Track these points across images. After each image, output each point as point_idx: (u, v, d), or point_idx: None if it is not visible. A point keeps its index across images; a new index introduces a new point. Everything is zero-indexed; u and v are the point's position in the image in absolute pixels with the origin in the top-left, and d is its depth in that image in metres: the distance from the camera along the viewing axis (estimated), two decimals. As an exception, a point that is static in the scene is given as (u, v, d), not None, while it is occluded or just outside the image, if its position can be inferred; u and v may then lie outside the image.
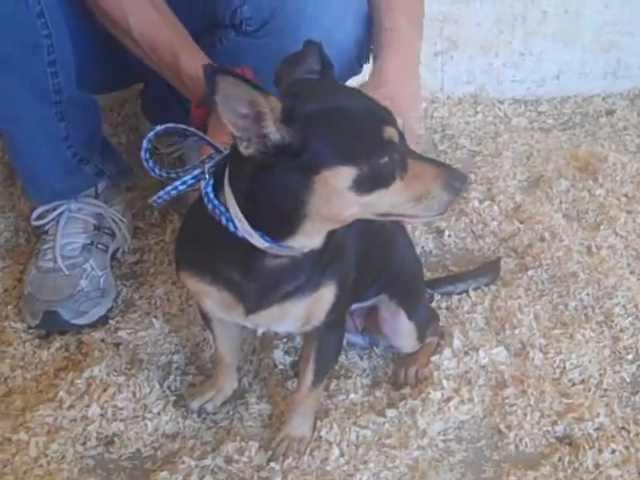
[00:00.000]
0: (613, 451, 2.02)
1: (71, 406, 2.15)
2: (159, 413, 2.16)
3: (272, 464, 2.01)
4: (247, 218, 1.69)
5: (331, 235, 1.78)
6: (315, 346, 2.01)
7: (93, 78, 2.57)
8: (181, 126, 1.91)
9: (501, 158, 3.29)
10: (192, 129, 1.93)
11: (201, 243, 1.86)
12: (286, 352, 2.37)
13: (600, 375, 2.26)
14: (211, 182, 1.75)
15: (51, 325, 2.44)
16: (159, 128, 1.85)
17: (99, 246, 2.61)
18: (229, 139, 1.66)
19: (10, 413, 2.18)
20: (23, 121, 2.39)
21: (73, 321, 2.44)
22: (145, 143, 1.84)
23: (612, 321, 2.43)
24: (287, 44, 1.94)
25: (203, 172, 1.76)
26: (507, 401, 2.17)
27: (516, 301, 2.50)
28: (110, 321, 2.48)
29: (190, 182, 1.80)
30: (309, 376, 2.04)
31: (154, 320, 2.46)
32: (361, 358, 2.36)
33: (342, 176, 1.58)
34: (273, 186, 1.64)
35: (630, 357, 2.32)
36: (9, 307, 2.55)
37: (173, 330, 2.43)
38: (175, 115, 2.57)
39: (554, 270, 2.62)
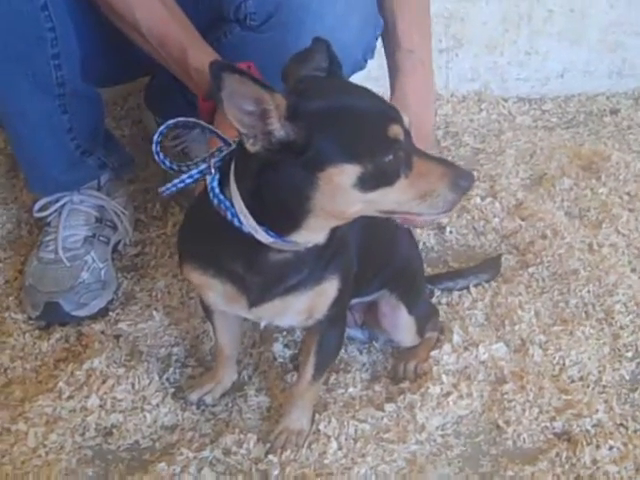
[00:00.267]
0: (611, 447, 2.02)
1: (70, 397, 2.15)
2: (158, 405, 2.17)
3: (270, 456, 2.01)
4: (252, 213, 1.70)
5: (334, 230, 1.78)
6: (316, 340, 2.02)
7: (98, 71, 2.57)
8: (192, 120, 1.92)
9: (504, 156, 3.29)
10: (202, 122, 1.94)
11: (205, 237, 1.86)
12: (286, 345, 2.37)
13: (599, 372, 2.26)
14: (217, 177, 1.75)
15: (52, 316, 2.45)
16: (171, 121, 1.86)
17: (101, 238, 2.62)
18: (237, 132, 1.66)
19: (9, 403, 2.18)
20: (26, 113, 2.39)
21: (74, 313, 2.44)
22: (157, 136, 1.85)
23: (612, 318, 2.43)
24: (291, 39, 1.95)
25: (209, 167, 1.77)
26: (506, 397, 2.17)
27: (517, 298, 2.50)
28: (110, 313, 2.49)
29: (196, 176, 1.81)
30: (309, 369, 2.04)
31: (154, 312, 2.46)
32: (360, 352, 2.37)
33: (346, 174, 1.58)
34: (278, 182, 1.64)
35: (630, 354, 2.32)
36: (10, 298, 2.56)
37: (173, 322, 2.44)
38: (180, 108, 2.59)
39: (555, 267, 2.62)
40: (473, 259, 2.73)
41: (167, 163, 1.87)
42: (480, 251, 2.78)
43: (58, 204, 2.60)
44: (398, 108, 1.70)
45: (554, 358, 2.29)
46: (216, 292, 1.90)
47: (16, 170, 3.01)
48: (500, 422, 2.12)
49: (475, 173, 3.03)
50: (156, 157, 1.86)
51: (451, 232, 2.85)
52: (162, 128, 1.86)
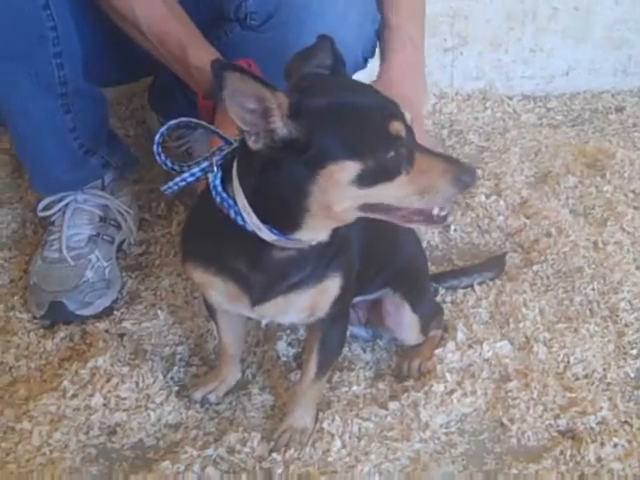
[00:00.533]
0: (615, 445, 2.02)
1: (74, 396, 2.15)
2: (162, 403, 2.17)
3: (274, 455, 2.01)
4: (255, 211, 1.70)
5: (337, 228, 1.78)
6: (319, 338, 2.02)
7: (100, 71, 2.57)
8: (194, 120, 1.92)
9: (509, 154, 3.29)
10: (204, 122, 1.94)
11: (207, 235, 1.87)
12: (289, 344, 2.37)
13: (604, 370, 2.25)
14: (219, 175, 1.75)
15: (56, 315, 2.45)
16: (172, 122, 1.86)
17: (105, 237, 2.62)
18: (238, 131, 1.67)
19: (14, 402, 2.18)
20: (29, 112, 2.39)
21: (78, 312, 2.45)
22: (158, 137, 1.85)
23: (617, 316, 2.42)
24: (292, 38, 1.95)
25: (211, 165, 1.77)
26: (510, 394, 2.17)
27: (521, 296, 2.50)
28: (115, 312, 2.49)
29: (198, 175, 1.81)
30: (312, 367, 2.04)
31: (159, 311, 2.46)
32: (364, 350, 2.37)
33: (347, 170, 1.58)
34: (280, 180, 1.64)
35: (634, 352, 2.32)
36: (15, 297, 2.56)
37: (177, 321, 2.44)
38: (182, 108, 2.58)
39: (560, 265, 2.62)
40: (478, 257, 2.72)
41: (168, 164, 1.87)
42: (485, 249, 2.77)
43: (62, 203, 2.60)
44: (384, 85, 1.70)
45: (558, 356, 2.29)
46: (218, 291, 1.90)
47: (21, 170, 3.01)
48: (504, 420, 2.12)
49: (480, 171, 3.08)
50: (157, 158, 1.86)
51: (456, 230, 2.85)
52: (163, 129, 1.86)
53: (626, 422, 2.09)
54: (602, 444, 2.02)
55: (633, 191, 3.01)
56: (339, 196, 1.61)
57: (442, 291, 2.54)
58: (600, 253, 2.66)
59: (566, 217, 2.84)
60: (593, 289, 2.51)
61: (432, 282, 2.48)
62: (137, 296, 2.57)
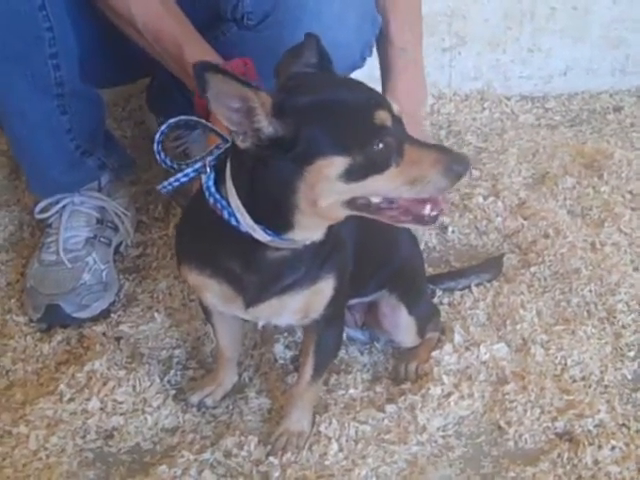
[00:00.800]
0: (613, 448, 2.01)
1: (71, 399, 2.15)
2: (159, 407, 2.17)
3: (271, 458, 2.01)
4: (249, 212, 1.70)
5: (331, 227, 1.78)
6: (315, 340, 2.01)
7: (97, 71, 2.57)
8: (194, 118, 1.93)
9: (507, 155, 3.29)
10: (203, 121, 1.94)
11: (201, 237, 1.86)
12: (287, 346, 2.37)
13: (601, 372, 2.25)
14: (212, 176, 1.75)
15: (53, 318, 2.45)
16: (172, 120, 1.87)
17: (102, 240, 2.62)
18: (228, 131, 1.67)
19: (10, 406, 2.18)
20: (25, 114, 2.39)
21: (75, 314, 2.44)
22: (158, 136, 1.86)
23: (614, 317, 2.42)
24: (288, 37, 1.94)
25: (204, 166, 1.77)
26: (507, 397, 2.16)
27: (518, 297, 2.50)
28: (112, 315, 2.49)
29: (191, 175, 1.81)
30: (308, 370, 2.04)
31: (156, 314, 2.46)
32: (361, 353, 2.36)
33: (335, 165, 1.58)
34: (269, 178, 1.65)
35: (632, 354, 2.31)
36: (12, 300, 2.56)
37: (174, 324, 2.44)
38: (181, 108, 2.58)
39: (557, 266, 2.62)
40: (475, 259, 2.72)
41: (168, 162, 1.88)
42: (482, 250, 2.77)
43: (59, 205, 2.59)
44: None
45: (556, 358, 2.28)
46: (213, 292, 1.90)
47: (18, 172, 3.01)
48: (501, 423, 2.11)
49: (477, 172, 3.09)
50: (157, 157, 1.87)
51: (453, 232, 2.84)
52: (163, 127, 1.86)
53: (624, 425, 2.09)
54: (599, 447, 2.01)
55: (631, 192, 3.01)
56: (326, 191, 1.61)
57: (439, 293, 2.54)
58: (597, 254, 2.66)
59: (564, 218, 2.84)
60: (590, 290, 2.51)
61: (429, 284, 2.48)
62: (134, 299, 2.57)
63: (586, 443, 2.02)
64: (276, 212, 1.68)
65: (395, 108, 1.66)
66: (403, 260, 2.24)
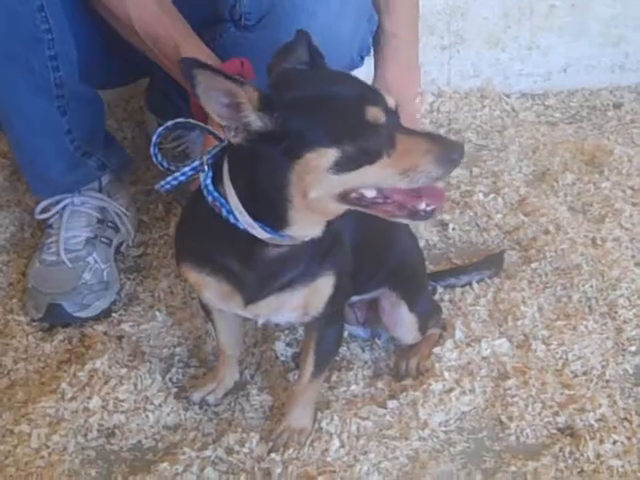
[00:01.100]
0: (614, 442, 2.02)
1: (73, 398, 2.15)
2: (160, 405, 2.17)
3: (273, 455, 2.01)
4: (247, 209, 1.70)
5: (329, 225, 1.78)
6: (315, 337, 2.02)
7: (97, 73, 2.57)
8: (191, 120, 1.93)
9: (507, 152, 3.29)
10: (201, 123, 1.94)
11: (200, 235, 1.87)
12: (288, 344, 2.37)
13: (602, 367, 2.25)
14: (210, 174, 1.76)
15: (54, 318, 2.45)
16: (169, 123, 1.87)
17: (103, 240, 2.62)
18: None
19: (12, 405, 2.18)
20: (25, 115, 2.39)
21: (76, 314, 2.45)
22: (155, 138, 1.86)
23: (616, 312, 2.42)
24: (285, 37, 1.94)
25: (202, 164, 1.77)
26: (509, 392, 2.16)
27: (519, 293, 2.50)
28: (113, 314, 2.49)
29: (189, 173, 1.82)
30: (309, 367, 2.04)
31: (157, 313, 2.47)
32: (363, 350, 2.36)
33: (324, 157, 1.59)
34: (262, 173, 1.65)
35: (633, 349, 2.31)
36: (13, 300, 2.56)
37: (176, 323, 2.44)
38: (180, 109, 2.59)
39: (558, 262, 2.62)
40: (476, 255, 2.72)
41: (165, 164, 1.88)
42: (483, 247, 2.77)
43: (59, 206, 2.60)
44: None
45: (557, 353, 2.28)
46: (212, 290, 1.90)
47: (19, 173, 3.00)
48: (503, 418, 2.11)
49: (477, 169, 3.10)
50: (154, 159, 1.87)
51: (454, 229, 2.85)
52: (160, 130, 1.87)
53: (625, 419, 2.09)
54: (601, 441, 2.01)
55: (631, 187, 3.01)
56: (316, 184, 1.61)
57: (440, 289, 2.54)
58: (598, 250, 2.66)
59: (564, 214, 2.84)
60: (591, 286, 2.51)
61: (430, 280, 2.48)
62: (135, 298, 2.57)
63: (588, 437, 2.02)
64: (271, 208, 1.69)
65: (389, 100, 1.66)
66: (403, 257, 2.24)
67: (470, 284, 2.56)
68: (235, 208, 1.71)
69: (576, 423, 2.07)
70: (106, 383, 2.18)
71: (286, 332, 2.39)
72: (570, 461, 1.99)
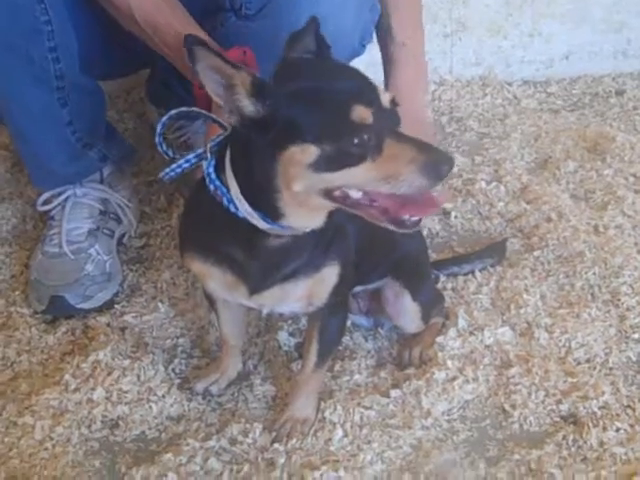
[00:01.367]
0: (618, 429, 2.02)
1: (76, 389, 2.16)
2: (164, 396, 2.17)
3: (276, 445, 2.02)
4: (246, 199, 1.70)
5: (331, 216, 1.77)
6: (318, 327, 2.02)
7: (98, 64, 2.57)
8: (195, 109, 1.93)
9: (509, 140, 3.28)
10: (203, 111, 1.95)
11: (204, 225, 1.87)
12: (291, 334, 2.37)
13: (606, 354, 2.25)
14: (213, 162, 1.76)
15: (57, 310, 2.45)
16: (173, 112, 1.87)
17: (105, 231, 2.62)
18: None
19: (16, 397, 2.19)
20: (26, 106, 2.39)
21: (79, 306, 2.45)
22: (159, 128, 1.87)
23: (619, 300, 2.42)
24: (286, 26, 1.94)
25: (205, 151, 1.78)
26: (512, 380, 2.16)
27: (522, 281, 2.50)
28: (116, 305, 2.49)
29: (193, 161, 1.83)
30: (312, 357, 2.04)
31: (160, 304, 2.47)
32: (366, 339, 2.36)
33: (306, 153, 1.58)
34: (256, 162, 1.66)
35: (636, 336, 2.31)
36: (16, 293, 2.57)
37: (178, 314, 2.44)
38: (181, 99, 2.58)
39: (560, 250, 2.61)
40: (478, 244, 2.72)
41: (170, 154, 1.89)
42: (485, 235, 2.77)
43: (61, 197, 2.60)
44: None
45: (560, 341, 2.28)
46: (217, 280, 1.90)
47: (21, 165, 3.01)
48: (506, 406, 2.11)
49: (480, 158, 3.09)
50: (159, 148, 1.88)
51: (456, 217, 2.84)
52: (164, 119, 1.87)
53: (628, 406, 2.09)
54: (604, 429, 2.02)
55: (634, 175, 3.00)
56: (299, 178, 1.61)
57: (443, 278, 2.54)
58: (601, 237, 2.66)
59: (566, 202, 2.84)
60: (594, 273, 2.51)
61: (433, 269, 2.47)
62: (138, 289, 2.57)
63: (591, 425, 2.02)
64: (265, 198, 1.69)
65: (384, 98, 1.64)
66: (406, 247, 2.23)
67: (473, 272, 2.55)
68: (236, 197, 1.72)
69: (579, 411, 2.07)
70: (109, 374, 2.18)
71: (289, 322, 2.39)
72: (573, 449, 1.99)
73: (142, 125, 3.31)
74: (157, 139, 1.87)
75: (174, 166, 1.83)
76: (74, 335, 2.40)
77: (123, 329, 2.39)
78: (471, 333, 2.30)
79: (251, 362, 2.30)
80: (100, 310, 2.47)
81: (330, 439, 2.02)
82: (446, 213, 2.86)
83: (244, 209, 1.71)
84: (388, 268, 2.21)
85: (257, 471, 1.96)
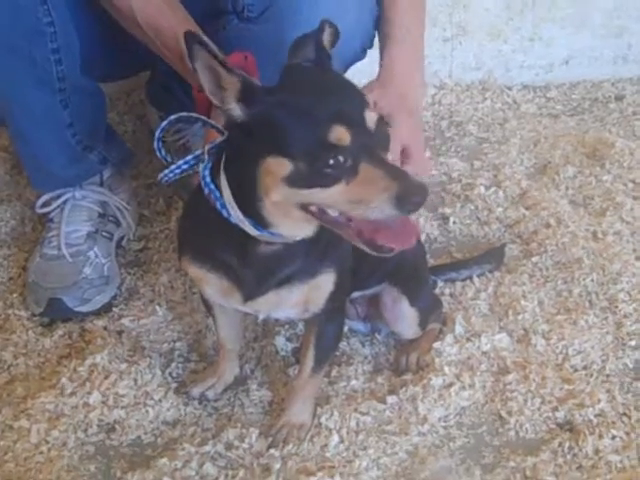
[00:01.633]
0: (613, 437, 2.02)
1: (73, 393, 2.16)
2: (160, 400, 2.17)
3: (272, 450, 2.02)
4: (238, 204, 1.71)
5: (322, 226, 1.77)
6: (315, 333, 2.02)
7: (99, 66, 2.57)
8: (194, 114, 1.92)
9: (508, 145, 3.29)
10: (203, 117, 1.94)
11: (201, 230, 1.87)
12: (288, 339, 2.37)
13: (602, 361, 2.25)
14: (209, 165, 1.76)
15: (55, 312, 2.45)
16: (172, 117, 1.87)
17: (104, 234, 2.62)
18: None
19: (12, 400, 2.19)
20: (28, 108, 2.39)
21: (77, 309, 2.45)
22: (158, 132, 1.86)
23: (616, 307, 2.42)
24: (288, 29, 1.94)
25: (203, 153, 1.78)
26: (508, 387, 2.16)
27: (520, 287, 2.50)
28: (113, 309, 2.49)
29: (192, 162, 1.83)
30: (309, 362, 2.04)
31: (157, 308, 2.47)
32: (363, 345, 2.36)
33: (281, 166, 1.59)
34: (242, 167, 1.66)
35: (633, 343, 2.31)
36: (14, 295, 2.56)
37: (176, 317, 2.44)
38: (181, 102, 2.59)
39: (559, 256, 2.61)
40: (476, 249, 2.72)
41: (169, 159, 1.88)
42: (484, 241, 2.77)
43: (60, 200, 2.60)
44: (385, 81, 1.68)
45: (557, 347, 2.28)
46: (212, 286, 1.91)
47: (19, 167, 3.01)
48: (503, 413, 2.11)
49: (479, 163, 3.09)
50: (158, 153, 1.87)
51: (455, 222, 2.84)
52: (164, 124, 1.86)
53: (624, 414, 2.09)
54: (600, 436, 2.01)
55: (633, 181, 3.00)
56: (275, 189, 1.62)
57: (441, 283, 2.54)
58: (599, 243, 2.66)
59: (565, 208, 2.84)
60: (592, 280, 2.51)
61: (431, 274, 2.47)
62: (136, 292, 2.57)
63: (587, 432, 2.02)
64: (251, 205, 1.69)
65: (371, 119, 1.62)
66: (404, 253, 2.22)
67: (471, 278, 2.55)
68: (228, 202, 1.72)
69: (575, 418, 2.07)
70: (106, 378, 2.18)
71: (286, 327, 2.39)
72: (569, 456, 1.99)
73: (142, 127, 3.31)
74: (156, 144, 1.86)
75: (173, 167, 1.83)
76: (71, 338, 2.40)
77: (120, 332, 2.39)
78: (468, 339, 2.30)
79: (248, 367, 2.30)
80: (98, 313, 2.47)
81: (326, 445, 2.02)
82: (445, 218, 2.86)
83: (236, 215, 1.72)
84: (386, 274, 2.20)
85: (253, 476, 1.96)
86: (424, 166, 2.32)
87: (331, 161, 1.56)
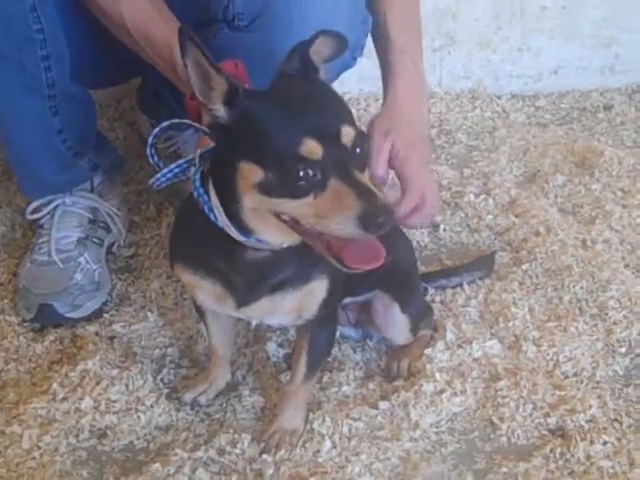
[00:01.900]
0: (605, 443, 2.02)
1: (64, 399, 2.15)
2: (152, 406, 2.17)
3: (264, 456, 2.01)
4: (224, 209, 1.72)
5: None
6: (308, 339, 2.02)
7: (89, 73, 2.57)
8: (186, 121, 1.92)
9: (498, 153, 3.30)
10: (196, 124, 1.94)
11: (193, 235, 1.87)
12: (279, 345, 2.37)
13: (593, 368, 2.26)
14: (200, 169, 1.77)
15: (46, 318, 2.45)
16: (164, 124, 1.86)
17: (94, 240, 2.62)
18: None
19: (3, 406, 2.18)
20: (18, 114, 2.39)
21: (67, 314, 2.45)
22: (150, 139, 1.86)
23: (606, 314, 2.42)
24: (278, 38, 1.95)
25: (194, 157, 1.78)
26: (500, 393, 2.17)
27: (510, 295, 2.50)
28: (105, 315, 2.49)
29: (184, 166, 1.83)
30: (301, 369, 2.05)
31: (149, 313, 2.47)
32: (354, 351, 2.37)
33: (253, 173, 1.60)
34: (222, 171, 1.69)
35: (623, 350, 2.32)
36: (4, 301, 2.56)
37: (167, 323, 2.44)
38: (171, 109, 2.59)
39: (549, 264, 2.62)
40: (467, 256, 2.73)
41: (161, 165, 1.88)
42: (474, 248, 2.78)
43: (50, 206, 2.60)
44: (392, 114, 1.68)
45: (548, 354, 2.29)
46: (205, 292, 1.91)
47: (10, 173, 3.01)
48: (494, 419, 2.12)
49: (468, 171, 3.10)
50: (150, 160, 1.87)
51: (445, 230, 2.85)
52: (156, 130, 1.86)
53: (615, 420, 2.10)
54: (591, 442, 2.02)
55: (621, 189, 3.02)
56: (247, 194, 1.64)
57: (431, 291, 2.55)
58: (589, 251, 2.67)
59: (555, 216, 2.85)
60: (582, 287, 2.52)
61: (421, 282, 2.48)
62: (127, 298, 2.57)
63: (578, 438, 2.02)
64: (233, 210, 1.70)
65: (348, 136, 1.61)
66: (396, 260, 2.22)
67: (461, 285, 2.56)
68: (215, 207, 1.73)
69: (567, 424, 2.08)
70: (98, 384, 2.18)
71: (278, 333, 2.39)
72: (561, 462, 1.99)
73: (132, 134, 3.31)
74: (149, 151, 1.86)
75: (165, 171, 1.83)
76: (62, 344, 2.40)
77: (112, 338, 2.39)
78: (459, 346, 2.30)
79: (240, 373, 2.30)
80: (89, 319, 2.47)
81: (318, 450, 2.02)
82: (435, 226, 2.87)
83: (222, 219, 1.73)
84: (377, 280, 2.20)
85: (245, 482, 1.96)
86: (437, 207, 2.38)
87: (301, 173, 1.56)
